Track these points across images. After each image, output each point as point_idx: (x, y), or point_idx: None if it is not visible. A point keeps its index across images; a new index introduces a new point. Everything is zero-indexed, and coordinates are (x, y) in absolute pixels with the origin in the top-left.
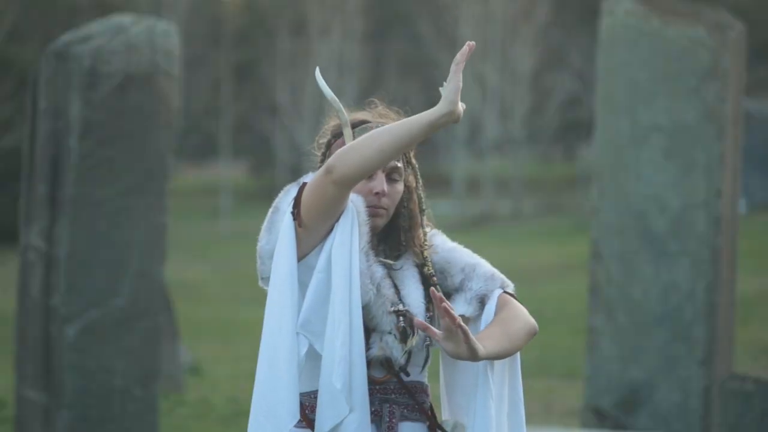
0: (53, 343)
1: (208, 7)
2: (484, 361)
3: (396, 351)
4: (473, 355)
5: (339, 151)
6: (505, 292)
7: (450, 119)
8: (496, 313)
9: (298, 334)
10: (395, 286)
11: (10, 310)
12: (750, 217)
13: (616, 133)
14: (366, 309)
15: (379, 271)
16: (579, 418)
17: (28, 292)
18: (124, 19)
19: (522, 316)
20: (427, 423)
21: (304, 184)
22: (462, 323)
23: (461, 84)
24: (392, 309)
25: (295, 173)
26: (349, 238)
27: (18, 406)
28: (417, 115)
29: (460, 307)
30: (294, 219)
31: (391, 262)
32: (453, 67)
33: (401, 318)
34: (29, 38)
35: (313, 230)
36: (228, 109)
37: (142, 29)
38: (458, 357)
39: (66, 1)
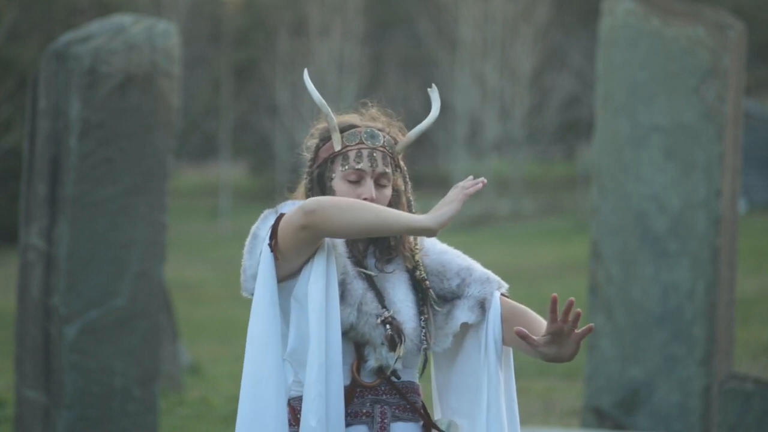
0: (53, 343)
1: (208, 7)
2: (494, 361)
3: (391, 359)
4: (574, 356)
5: (324, 200)
6: (502, 294)
7: (428, 234)
8: (506, 316)
9: (285, 361)
10: (380, 295)
11: (10, 310)
12: (750, 217)
13: (616, 133)
14: (353, 330)
15: (359, 289)
16: (579, 418)
17: (28, 292)
18: (124, 19)
19: None
20: (421, 422)
21: (281, 215)
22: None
23: (458, 212)
24: (379, 320)
25: (295, 173)
26: (324, 277)
27: (18, 406)
28: (405, 214)
29: (463, 315)
30: (271, 251)
31: (373, 273)
32: (460, 195)
33: (388, 326)
34: (29, 38)
35: (290, 260)
36: (228, 109)
37: (142, 29)
38: (558, 360)
39: (66, 1)
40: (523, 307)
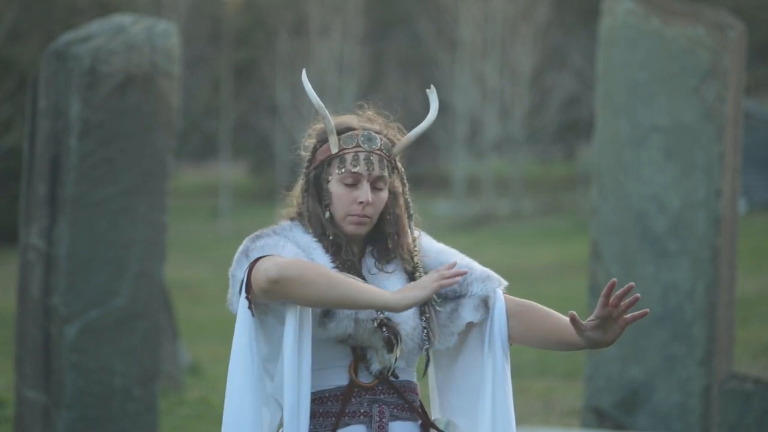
0: (53, 343)
1: (208, 7)
2: (501, 357)
3: (392, 360)
4: (615, 340)
5: (288, 271)
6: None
7: (391, 311)
8: (512, 312)
9: (271, 398)
10: None
11: (10, 310)
12: (750, 217)
13: (616, 133)
14: (351, 338)
15: None
16: (579, 418)
17: (28, 292)
18: (124, 19)
19: None
20: (419, 421)
21: (254, 263)
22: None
23: (427, 299)
24: (375, 324)
25: (295, 173)
26: (296, 320)
27: (18, 406)
28: (370, 290)
29: (468, 315)
30: (249, 305)
31: (365, 277)
32: (434, 284)
33: (384, 328)
34: (29, 38)
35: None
36: (228, 109)
37: (142, 29)
38: (600, 345)
39: (66, 1)
40: (525, 300)
